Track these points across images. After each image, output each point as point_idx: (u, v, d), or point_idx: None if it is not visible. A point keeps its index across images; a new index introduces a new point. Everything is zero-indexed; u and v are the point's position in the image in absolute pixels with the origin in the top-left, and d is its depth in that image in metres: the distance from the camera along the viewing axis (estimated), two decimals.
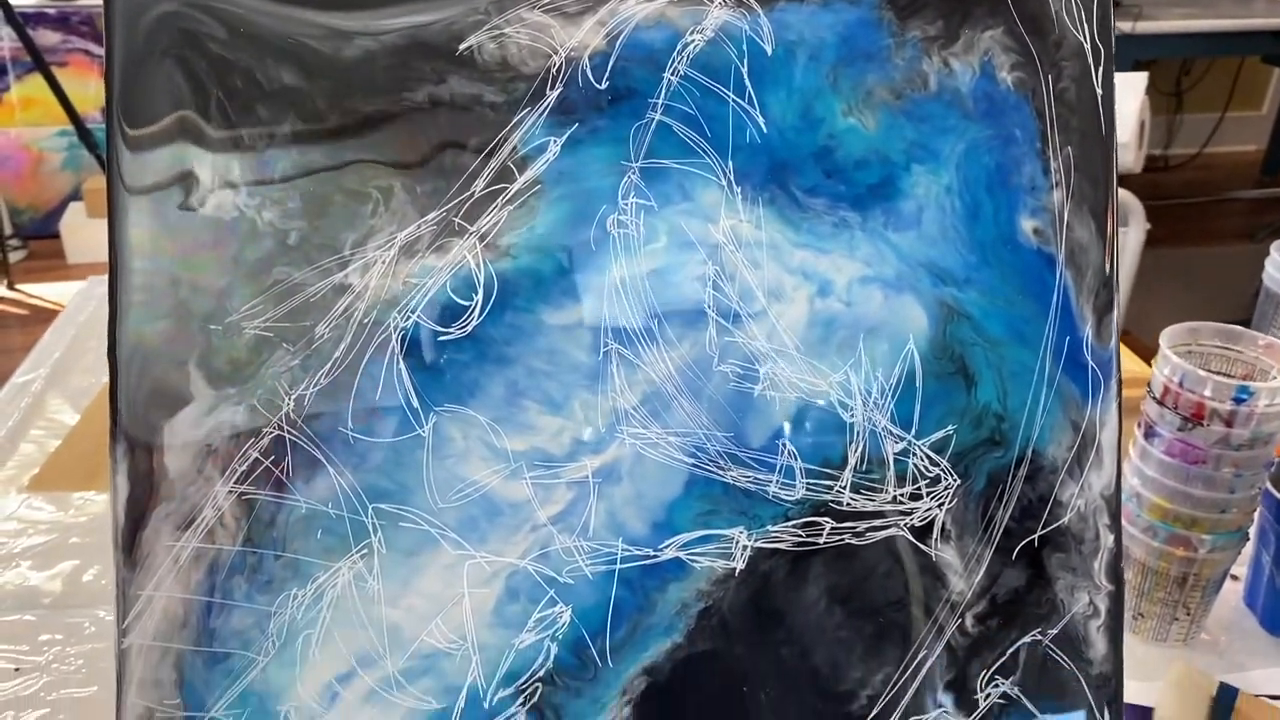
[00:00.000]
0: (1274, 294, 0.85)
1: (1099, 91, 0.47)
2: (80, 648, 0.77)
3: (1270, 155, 3.69)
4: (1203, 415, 0.70)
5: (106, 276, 0.42)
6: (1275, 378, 0.72)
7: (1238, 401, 0.69)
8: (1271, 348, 0.73)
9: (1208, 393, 0.70)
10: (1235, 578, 0.85)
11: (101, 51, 0.41)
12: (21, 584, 0.84)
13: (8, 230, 2.74)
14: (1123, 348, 0.50)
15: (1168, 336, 0.74)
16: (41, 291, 2.70)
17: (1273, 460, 0.73)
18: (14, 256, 2.80)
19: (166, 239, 0.42)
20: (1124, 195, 1.84)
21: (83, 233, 2.77)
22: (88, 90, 2.81)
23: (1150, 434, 0.73)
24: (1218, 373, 0.72)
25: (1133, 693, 0.72)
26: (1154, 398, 0.73)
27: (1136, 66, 2.26)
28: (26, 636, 0.78)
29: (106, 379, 1.16)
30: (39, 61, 2.42)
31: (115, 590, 0.43)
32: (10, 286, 2.72)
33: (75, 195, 2.89)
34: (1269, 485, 0.76)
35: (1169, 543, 0.75)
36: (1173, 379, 0.71)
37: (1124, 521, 0.52)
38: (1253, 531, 0.78)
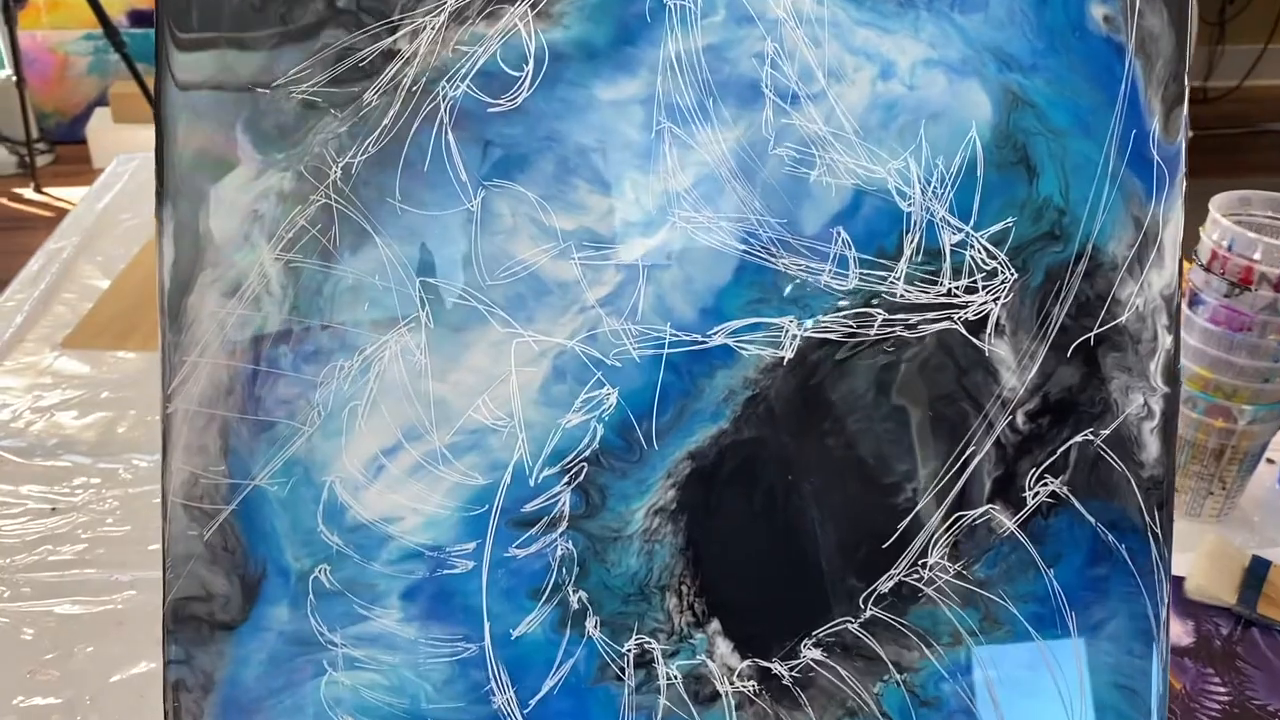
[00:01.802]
0: None
1: None
2: (115, 491, 0.78)
3: None
4: (1251, 280, 0.69)
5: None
6: None
7: None
8: None
9: (1257, 256, 0.68)
10: (1272, 461, 0.84)
11: None
12: (57, 431, 0.84)
13: (34, 134, 2.73)
14: None
15: (1218, 203, 0.73)
16: (68, 195, 2.70)
17: None
18: (41, 160, 2.80)
19: None
20: None
21: (108, 137, 2.75)
22: None
23: (1195, 302, 0.72)
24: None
25: None
26: (1200, 265, 0.72)
27: None
28: (63, 479, 0.79)
29: (137, 250, 1.15)
30: None
31: (161, 355, 0.43)
32: (37, 189, 2.72)
33: (101, 100, 2.87)
34: None
35: (1208, 414, 0.74)
36: (1221, 243, 0.70)
37: None
38: None
